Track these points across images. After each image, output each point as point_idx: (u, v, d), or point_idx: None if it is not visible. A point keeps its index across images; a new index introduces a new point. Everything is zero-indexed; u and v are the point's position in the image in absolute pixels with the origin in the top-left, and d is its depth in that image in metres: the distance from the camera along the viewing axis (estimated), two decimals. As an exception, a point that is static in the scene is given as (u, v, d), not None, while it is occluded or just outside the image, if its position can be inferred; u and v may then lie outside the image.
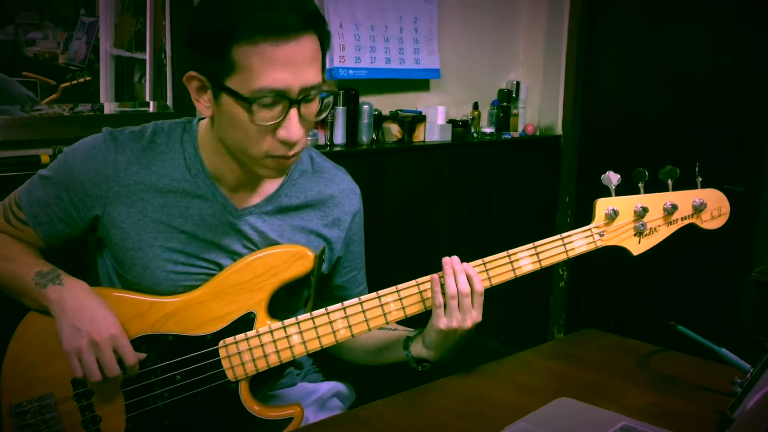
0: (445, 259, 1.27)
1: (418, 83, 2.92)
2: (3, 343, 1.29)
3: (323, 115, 1.23)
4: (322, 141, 2.60)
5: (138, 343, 1.25)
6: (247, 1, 1.13)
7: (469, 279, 1.26)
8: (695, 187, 1.36)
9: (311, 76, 1.16)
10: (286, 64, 1.13)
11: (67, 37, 2.14)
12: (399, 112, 2.81)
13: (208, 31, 1.16)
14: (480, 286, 1.26)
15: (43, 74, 2.11)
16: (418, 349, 1.32)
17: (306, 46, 1.14)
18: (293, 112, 1.16)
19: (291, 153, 1.20)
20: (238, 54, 1.13)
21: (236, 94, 1.15)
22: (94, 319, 1.22)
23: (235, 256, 1.32)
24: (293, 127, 1.17)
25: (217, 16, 1.15)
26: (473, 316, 1.26)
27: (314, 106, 1.20)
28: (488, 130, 3.09)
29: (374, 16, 2.72)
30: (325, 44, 1.20)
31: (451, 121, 2.92)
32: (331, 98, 1.23)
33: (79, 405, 1.26)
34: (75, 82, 2.16)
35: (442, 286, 1.26)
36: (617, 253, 1.35)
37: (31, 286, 1.28)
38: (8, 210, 1.35)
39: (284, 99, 1.15)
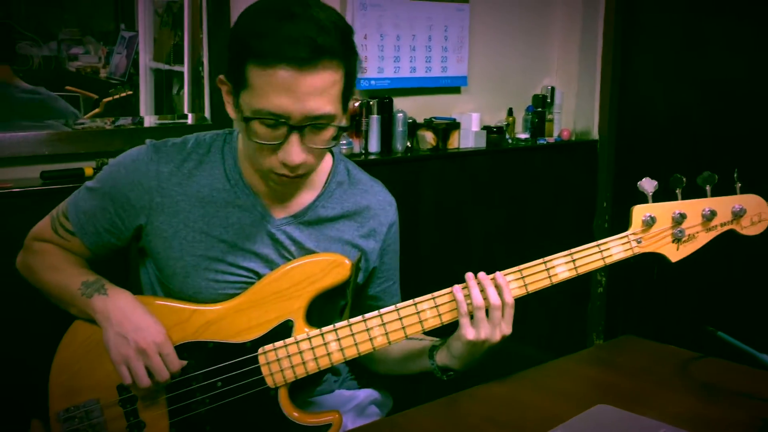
0: (469, 274, 1.28)
1: (450, 90, 2.93)
2: (51, 351, 1.33)
3: (333, 145, 1.23)
4: (357, 149, 2.62)
5: (180, 350, 1.28)
6: (268, 24, 1.15)
7: (499, 289, 1.26)
8: (734, 193, 1.34)
9: (317, 105, 1.17)
10: (290, 92, 1.15)
11: (108, 51, 2.19)
12: (433, 119, 2.81)
13: (233, 42, 1.20)
14: (510, 297, 1.26)
15: (85, 88, 2.16)
16: (443, 358, 1.33)
17: (314, 77, 1.15)
18: (294, 137, 1.19)
19: (292, 174, 1.23)
20: (250, 71, 1.17)
21: (241, 110, 1.20)
22: (139, 327, 1.25)
23: (272, 264, 1.34)
24: (292, 151, 1.19)
25: (242, 30, 1.19)
26: (503, 329, 1.26)
27: (325, 134, 1.21)
28: (523, 135, 3.08)
29: (402, 25, 2.74)
30: (350, 74, 1.21)
31: (486, 128, 2.92)
32: (338, 131, 1.23)
33: (125, 411, 1.29)
34: (117, 96, 2.21)
35: (468, 297, 1.26)
36: (656, 258, 1.34)
37: (77, 295, 1.31)
38: (56, 221, 1.39)
39: (285, 124, 1.18)
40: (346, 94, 1.22)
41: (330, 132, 1.21)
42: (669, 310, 3.09)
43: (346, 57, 1.19)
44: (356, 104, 2.59)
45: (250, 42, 1.16)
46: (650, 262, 1.37)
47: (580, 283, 3.29)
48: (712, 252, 1.36)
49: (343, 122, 1.24)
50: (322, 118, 1.18)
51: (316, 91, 1.16)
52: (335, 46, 1.16)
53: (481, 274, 1.28)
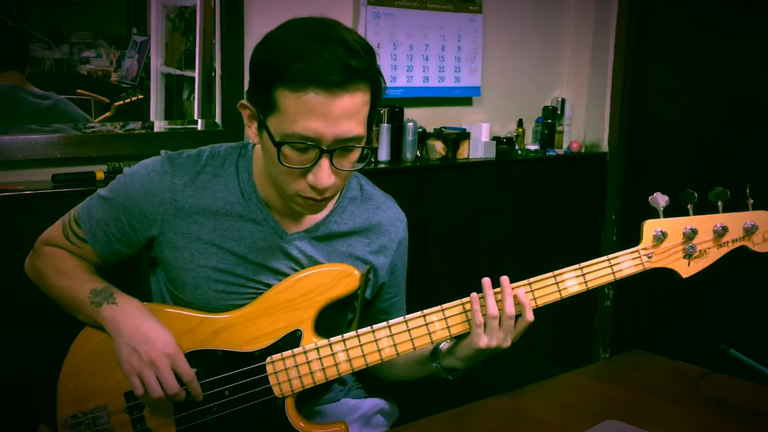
0: (485, 280, 1.28)
1: (462, 100, 2.93)
2: (59, 356, 1.33)
3: (360, 167, 1.24)
4: (366, 158, 2.61)
5: (189, 358, 1.27)
6: (298, 48, 1.15)
7: (521, 307, 1.27)
8: (746, 209, 1.33)
9: (348, 128, 1.17)
10: (322, 116, 1.15)
11: (119, 55, 2.19)
12: (443, 129, 2.81)
13: (260, 66, 1.19)
14: (531, 316, 1.27)
15: (96, 92, 2.16)
16: (448, 360, 1.34)
17: (346, 100, 1.15)
18: (324, 160, 1.18)
19: (320, 197, 1.23)
20: (279, 96, 1.16)
21: (270, 134, 1.19)
22: (149, 338, 1.25)
23: (283, 278, 1.34)
24: (323, 175, 1.19)
25: (269, 55, 1.18)
26: (513, 336, 1.28)
27: (353, 156, 1.21)
28: (533, 147, 3.07)
29: (415, 35, 2.74)
30: (377, 95, 1.21)
31: (496, 138, 2.92)
32: (367, 152, 1.23)
33: (131, 418, 1.29)
34: (128, 100, 2.22)
35: (484, 306, 1.26)
36: (665, 272, 1.34)
37: (86, 304, 1.31)
38: (68, 227, 1.39)
39: (316, 147, 1.17)
40: (372, 115, 1.22)
41: (357, 153, 1.21)
42: (677, 325, 3.08)
43: (374, 78, 1.19)
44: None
45: (280, 66, 1.15)
46: (658, 276, 1.36)
47: (588, 296, 3.26)
48: (721, 267, 1.36)
49: (372, 143, 1.24)
50: (352, 140, 1.18)
51: (348, 113, 1.15)
52: (364, 67, 1.16)
53: (504, 281, 1.28)
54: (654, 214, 1.32)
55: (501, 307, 1.26)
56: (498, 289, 1.28)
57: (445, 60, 2.83)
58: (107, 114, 2.18)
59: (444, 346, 1.37)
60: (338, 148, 1.18)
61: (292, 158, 1.19)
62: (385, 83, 1.23)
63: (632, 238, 1.35)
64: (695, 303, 2.97)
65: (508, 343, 1.27)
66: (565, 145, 3.16)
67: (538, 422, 1.24)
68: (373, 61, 1.19)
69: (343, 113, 1.15)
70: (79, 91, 2.13)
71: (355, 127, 1.18)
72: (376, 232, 1.42)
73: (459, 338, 1.33)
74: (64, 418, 1.29)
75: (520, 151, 3.02)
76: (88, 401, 1.29)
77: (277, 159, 1.18)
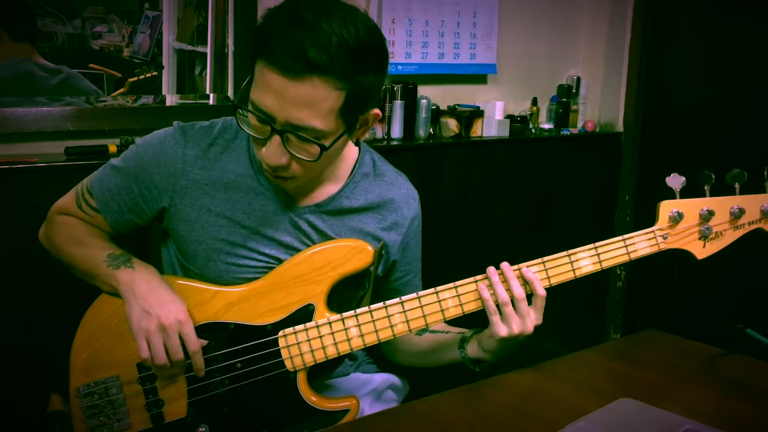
0: (490, 269, 1.27)
1: (477, 78, 2.90)
2: (72, 326, 1.33)
3: (317, 160, 1.20)
4: (379, 135, 2.60)
5: (200, 330, 1.28)
6: (276, 24, 1.14)
7: (529, 283, 1.26)
8: (763, 191, 1.32)
9: (301, 116, 1.15)
10: (275, 95, 1.14)
11: (131, 30, 2.18)
12: (457, 106, 2.79)
13: (251, 33, 1.19)
14: (542, 290, 1.25)
15: (108, 67, 2.16)
16: (474, 351, 1.32)
17: (300, 88, 1.12)
18: (275, 138, 1.18)
19: (273, 174, 1.23)
20: (257, 65, 1.17)
21: (239, 96, 1.22)
22: (163, 303, 1.25)
23: (293, 252, 1.34)
24: (269, 151, 1.19)
25: (260, 27, 1.18)
26: (533, 318, 1.25)
27: (311, 148, 1.18)
28: (547, 126, 3.05)
29: (431, 11, 2.71)
30: (357, 94, 1.16)
31: (509, 117, 2.90)
32: (317, 148, 1.18)
33: (144, 388, 1.29)
34: (143, 77, 2.21)
35: (493, 295, 1.25)
36: (677, 253, 1.32)
37: (103, 267, 1.31)
38: (81, 196, 1.39)
39: (268, 123, 1.17)
40: (350, 113, 1.19)
41: (315, 147, 1.18)
42: (689, 306, 3.06)
43: (349, 76, 1.14)
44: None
45: (258, 37, 1.16)
46: (671, 256, 1.35)
47: (600, 277, 3.26)
48: (735, 248, 1.34)
49: (340, 141, 1.21)
50: (305, 130, 1.16)
51: (302, 102, 1.14)
52: (331, 64, 1.12)
53: (504, 266, 1.26)
54: (668, 195, 1.31)
55: (510, 293, 1.25)
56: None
57: (460, 36, 2.80)
58: (121, 90, 2.18)
59: (470, 336, 1.35)
60: (289, 131, 1.17)
61: (253, 126, 1.21)
62: (375, 85, 1.19)
63: (646, 219, 1.33)
64: (707, 286, 2.96)
65: (530, 328, 1.25)
66: (579, 125, 3.14)
67: (552, 399, 1.24)
68: (356, 59, 1.13)
69: (296, 100, 1.13)
70: (91, 65, 2.13)
71: (311, 118, 1.15)
72: (389, 208, 1.41)
73: (481, 333, 1.32)
74: (76, 387, 1.30)
75: (534, 130, 3.00)
76: (100, 371, 1.29)
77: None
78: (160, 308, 1.24)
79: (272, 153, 1.19)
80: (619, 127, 3.19)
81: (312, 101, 1.14)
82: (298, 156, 1.19)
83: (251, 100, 1.18)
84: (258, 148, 1.23)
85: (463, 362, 1.34)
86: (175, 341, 1.24)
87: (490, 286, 1.26)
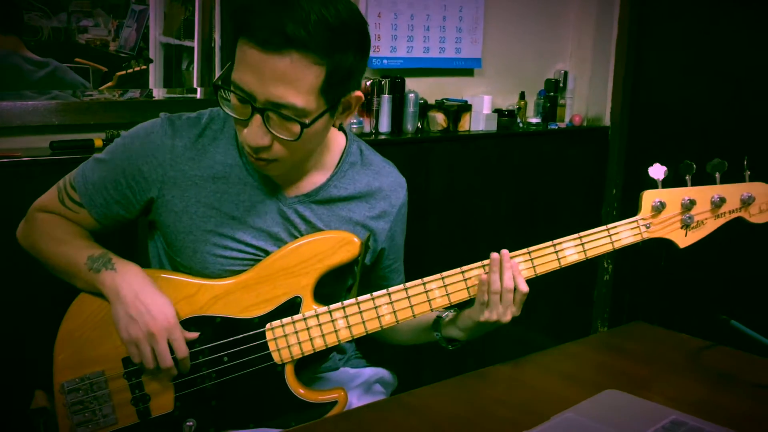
0: (494, 255, 1.27)
1: (465, 72, 2.90)
2: (55, 322, 1.32)
3: (298, 139, 1.19)
4: (367, 129, 2.60)
5: (187, 324, 1.27)
6: (259, 6, 1.14)
7: (514, 277, 1.27)
8: (743, 181, 1.34)
9: (280, 93, 1.14)
10: (254, 71, 1.14)
11: (117, 24, 2.17)
12: (444, 101, 2.79)
13: (231, 14, 1.19)
14: (524, 286, 1.27)
15: (94, 61, 2.14)
16: (450, 330, 1.35)
17: (279, 63, 1.12)
18: (256, 118, 1.17)
19: (255, 156, 1.22)
20: (238, 46, 1.17)
21: (222, 78, 1.21)
22: (149, 309, 1.24)
23: (281, 243, 1.33)
24: (251, 132, 1.18)
25: (240, 7, 1.17)
26: (513, 311, 1.28)
27: (292, 126, 1.18)
28: (534, 120, 3.05)
29: (417, 5, 2.71)
30: (338, 72, 1.16)
31: (497, 111, 2.90)
32: (298, 126, 1.17)
33: (130, 383, 1.28)
34: (131, 70, 2.20)
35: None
36: (663, 247, 1.33)
37: (84, 270, 1.30)
38: (63, 192, 1.37)
39: (249, 103, 1.17)
40: (330, 91, 1.18)
41: (297, 126, 1.18)
42: (675, 299, 3.08)
43: (328, 53, 1.14)
44: (368, 83, 2.57)
45: (238, 17, 1.16)
46: (657, 249, 1.35)
47: (587, 270, 3.27)
48: (719, 241, 1.35)
49: (321, 121, 1.20)
50: (285, 108, 1.16)
51: (280, 77, 1.14)
52: (309, 39, 1.12)
53: (504, 254, 1.27)
54: (653, 186, 1.32)
55: (501, 282, 1.26)
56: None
57: (446, 31, 2.80)
58: (109, 84, 2.16)
59: (447, 315, 1.36)
60: (269, 109, 1.16)
61: (234, 106, 1.20)
62: (356, 66, 1.19)
63: (633, 213, 1.35)
64: (693, 279, 2.97)
65: (507, 318, 1.27)
66: (567, 119, 3.14)
67: (539, 391, 1.24)
68: (336, 37, 1.14)
69: (275, 76, 1.13)
70: (77, 59, 2.11)
71: (290, 95, 1.15)
72: (377, 197, 1.41)
73: (461, 309, 1.33)
74: (60, 383, 1.28)
75: (521, 124, 3.00)
76: (85, 367, 1.28)
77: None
78: (147, 315, 1.23)
79: (253, 133, 1.18)
80: (606, 121, 3.20)
81: (291, 77, 1.14)
82: (280, 136, 1.19)
83: (232, 80, 1.18)
84: (240, 129, 1.23)
85: (437, 341, 1.37)
86: (163, 348, 1.24)
87: (488, 274, 1.27)
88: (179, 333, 1.25)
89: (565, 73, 3.14)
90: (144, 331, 1.23)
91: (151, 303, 1.25)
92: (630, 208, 1.36)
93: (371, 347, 1.55)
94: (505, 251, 1.28)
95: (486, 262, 1.28)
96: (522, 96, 3.03)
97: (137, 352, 1.24)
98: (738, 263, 2.83)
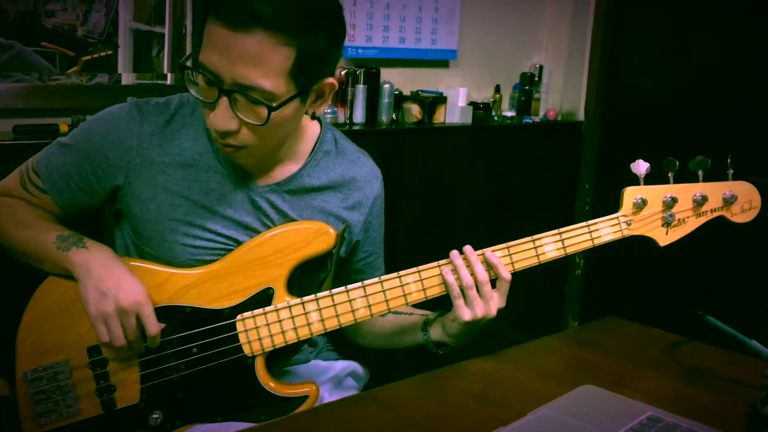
0: (454, 253, 1.25)
1: (440, 64, 2.89)
2: (18, 308, 1.27)
3: (265, 123, 1.15)
4: (341, 119, 2.57)
5: (156, 313, 1.23)
6: None
7: (494, 268, 1.24)
8: (726, 179, 1.32)
9: (248, 74, 1.11)
10: (221, 51, 1.11)
11: (86, 9, 2.12)
12: (420, 92, 2.77)
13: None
14: (506, 274, 1.24)
15: (61, 45, 2.09)
16: (437, 334, 1.31)
17: (246, 42, 1.09)
18: (223, 100, 1.14)
19: (222, 141, 1.19)
20: (206, 26, 1.14)
21: (189, 59, 1.19)
22: (120, 284, 1.20)
23: (252, 233, 1.30)
24: (217, 115, 1.15)
25: None
26: (496, 302, 1.24)
27: (261, 110, 1.15)
28: (509, 113, 3.05)
29: (392, -7, 2.69)
30: (309, 55, 1.13)
31: (472, 104, 2.89)
32: (265, 110, 1.14)
33: (94, 373, 1.24)
34: (96, 55, 2.15)
35: (458, 279, 1.24)
36: (635, 242, 1.32)
37: (52, 249, 1.25)
38: (25, 177, 1.33)
39: (216, 84, 1.14)
40: (300, 75, 1.15)
41: (264, 109, 1.15)
42: (646, 294, 3.10)
43: (297, 33, 1.11)
44: (342, 73, 2.54)
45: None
46: (629, 245, 1.34)
47: (558, 265, 3.27)
48: (691, 236, 1.35)
49: (290, 106, 1.17)
50: (253, 90, 1.13)
51: (248, 58, 1.10)
52: (277, 17, 1.08)
53: (468, 250, 1.25)
54: (629, 183, 1.31)
55: (474, 276, 1.23)
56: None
57: (422, 21, 2.77)
58: (74, 69, 2.11)
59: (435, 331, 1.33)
60: (237, 92, 1.13)
61: (202, 89, 1.17)
62: (328, 50, 1.16)
63: (605, 207, 1.33)
64: (664, 275, 3.00)
65: (493, 311, 1.24)
66: (541, 113, 3.15)
67: (514, 386, 1.23)
68: (308, 17, 1.11)
69: (243, 55, 1.10)
70: (43, 44, 2.06)
71: (259, 77, 1.11)
72: (351, 187, 1.38)
73: (444, 316, 1.30)
74: (23, 372, 1.25)
75: (496, 117, 3.00)
76: (48, 355, 1.24)
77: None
78: (118, 289, 1.20)
79: (220, 117, 1.15)
80: (581, 116, 3.21)
81: (259, 57, 1.10)
82: (247, 120, 1.15)
83: (200, 61, 1.15)
84: (207, 113, 1.19)
85: (425, 345, 1.33)
86: (133, 323, 1.20)
87: (454, 270, 1.24)
88: (150, 309, 1.21)
89: (541, 67, 3.14)
90: (114, 305, 1.19)
91: (122, 278, 1.21)
92: (603, 203, 1.35)
93: (343, 340, 1.52)
94: (467, 247, 1.25)
95: (451, 267, 1.25)
96: (497, 89, 3.03)
97: (105, 329, 1.20)
98: (707, 259, 2.86)
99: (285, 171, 1.33)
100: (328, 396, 1.40)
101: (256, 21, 1.08)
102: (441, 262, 1.26)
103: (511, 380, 1.25)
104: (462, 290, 1.23)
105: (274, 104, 1.14)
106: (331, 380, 1.47)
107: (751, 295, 2.80)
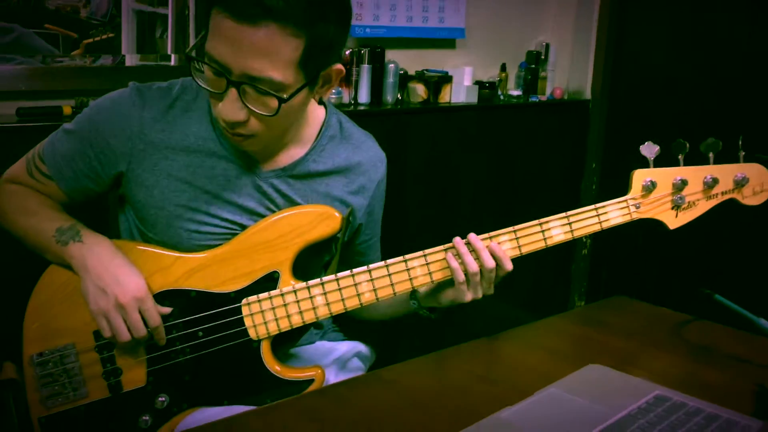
0: (457, 240, 1.24)
1: (445, 42, 2.86)
2: (25, 293, 1.28)
3: (275, 114, 1.14)
4: (346, 99, 2.55)
5: (161, 297, 1.24)
6: None
7: (498, 260, 1.23)
8: (736, 161, 1.30)
9: (258, 66, 1.10)
10: (230, 43, 1.09)
11: (89, -9, 2.10)
12: (425, 71, 2.75)
13: None
14: (510, 265, 1.24)
15: (64, 27, 2.08)
16: (428, 301, 1.31)
17: (255, 34, 1.08)
18: (231, 91, 1.13)
19: (231, 131, 1.18)
20: (212, 16, 1.12)
21: (195, 49, 1.16)
22: (118, 280, 1.20)
23: (257, 218, 1.30)
24: (226, 106, 1.14)
25: None
26: (495, 282, 1.25)
27: (270, 101, 1.14)
28: (515, 92, 3.02)
29: (401, -29, 2.66)
30: (318, 45, 1.12)
31: (478, 83, 2.86)
32: (275, 101, 1.13)
33: (101, 357, 1.25)
34: (98, 38, 2.13)
35: (462, 264, 1.23)
36: (642, 222, 1.31)
37: (52, 242, 1.26)
38: (31, 164, 1.33)
39: (224, 76, 1.12)
40: (309, 65, 1.14)
41: (274, 101, 1.13)
42: (654, 274, 3.09)
43: (307, 24, 1.10)
44: (347, 53, 2.52)
45: None
46: (637, 225, 1.33)
47: (565, 245, 3.26)
48: (702, 216, 1.33)
49: (300, 95, 1.16)
50: (262, 82, 1.11)
51: (257, 50, 1.09)
52: (287, 9, 1.07)
53: (473, 238, 1.24)
54: (636, 163, 1.29)
55: (480, 263, 1.23)
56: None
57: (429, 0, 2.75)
58: (77, 51, 2.10)
59: (424, 289, 1.33)
60: (246, 83, 1.12)
61: (209, 79, 1.16)
62: (337, 38, 1.14)
63: (612, 188, 1.31)
64: (672, 254, 2.98)
65: (491, 291, 1.25)
66: (548, 92, 3.12)
67: (521, 366, 1.22)
68: (309, 7, 1.09)
69: (252, 48, 1.09)
70: (46, 25, 2.04)
71: (268, 69, 1.10)
72: (356, 172, 1.37)
73: (441, 288, 1.30)
74: (30, 355, 1.25)
75: (502, 97, 2.97)
76: (55, 339, 1.25)
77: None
78: (116, 286, 1.20)
79: (229, 108, 1.14)
80: (587, 94, 3.18)
81: (269, 50, 1.09)
82: (256, 111, 1.14)
83: (206, 52, 1.13)
84: (214, 103, 1.18)
85: (416, 311, 1.33)
86: (135, 318, 1.20)
87: (458, 255, 1.23)
88: (151, 303, 1.21)
89: (547, 45, 3.11)
90: (113, 303, 1.19)
91: (119, 274, 1.21)
92: (610, 183, 1.33)
93: (348, 320, 1.52)
94: (471, 235, 1.24)
95: (454, 252, 1.24)
96: (503, 68, 3.00)
97: (107, 325, 1.20)
98: (715, 238, 2.84)
99: (290, 156, 1.32)
100: (334, 378, 1.40)
101: (266, 13, 1.07)
102: (447, 245, 1.25)
103: (518, 360, 1.25)
104: (467, 275, 1.23)
105: (284, 95, 1.13)
106: (337, 361, 1.47)
107: (759, 274, 2.78)
